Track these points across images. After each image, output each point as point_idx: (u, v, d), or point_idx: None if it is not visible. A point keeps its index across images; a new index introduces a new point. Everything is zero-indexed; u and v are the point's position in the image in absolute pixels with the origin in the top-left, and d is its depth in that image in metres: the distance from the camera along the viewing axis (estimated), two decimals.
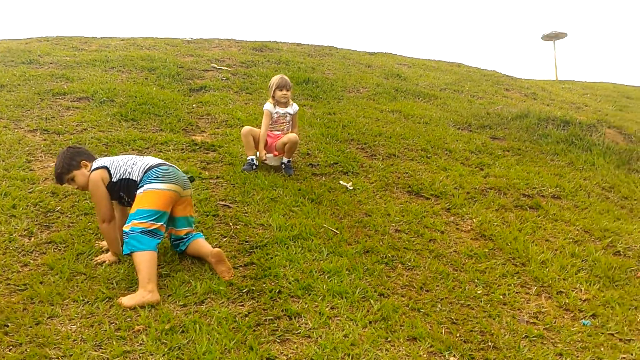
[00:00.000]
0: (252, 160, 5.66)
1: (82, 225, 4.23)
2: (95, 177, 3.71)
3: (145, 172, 3.72)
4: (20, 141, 5.71)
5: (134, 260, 3.48)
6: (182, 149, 5.96)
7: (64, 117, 6.55)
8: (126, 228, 3.52)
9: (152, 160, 3.86)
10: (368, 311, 3.47)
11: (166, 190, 3.66)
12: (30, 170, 5.10)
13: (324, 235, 4.40)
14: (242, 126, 6.79)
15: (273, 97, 5.76)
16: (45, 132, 6.04)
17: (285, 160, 5.72)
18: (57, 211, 4.43)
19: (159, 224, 3.58)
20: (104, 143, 5.83)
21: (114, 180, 3.73)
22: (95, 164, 3.80)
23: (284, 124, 5.79)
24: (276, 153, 5.69)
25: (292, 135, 5.60)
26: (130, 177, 3.73)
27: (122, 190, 3.76)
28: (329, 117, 7.73)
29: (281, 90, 5.71)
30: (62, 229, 4.18)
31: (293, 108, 5.86)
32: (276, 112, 5.75)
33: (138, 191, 3.65)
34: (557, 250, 4.52)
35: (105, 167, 3.76)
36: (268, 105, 5.76)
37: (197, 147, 6.07)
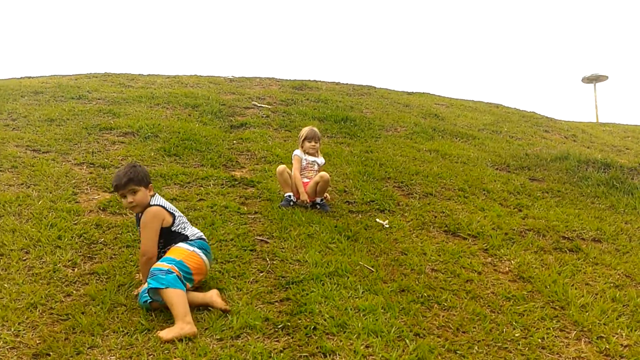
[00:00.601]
0: (290, 196, 5.77)
1: (124, 257, 4.34)
2: (159, 212, 3.87)
3: (199, 239, 3.98)
4: (67, 174, 5.92)
5: (166, 296, 3.52)
6: (222, 184, 6.08)
7: (110, 151, 6.77)
8: (165, 267, 3.63)
9: (199, 232, 4.10)
10: (403, 351, 3.45)
11: (205, 266, 3.93)
12: (76, 202, 5.28)
13: (360, 273, 4.41)
14: (281, 162, 6.92)
15: (302, 146, 5.98)
16: (92, 165, 6.25)
17: (318, 200, 5.82)
18: (101, 243, 4.56)
19: (186, 284, 3.72)
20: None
21: (173, 229, 3.91)
22: (157, 199, 3.97)
23: (312, 171, 5.91)
24: (308, 200, 5.75)
25: (323, 174, 5.70)
26: (184, 233, 3.94)
27: (165, 238, 3.90)
28: (366, 155, 7.80)
29: (310, 142, 5.93)
30: (105, 260, 4.30)
31: (321, 160, 6.07)
32: (305, 159, 5.92)
33: (186, 246, 3.84)
34: (598, 295, 4.42)
35: (170, 212, 3.94)
36: (298, 152, 5.95)
37: (237, 182, 6.19)
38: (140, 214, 3.93)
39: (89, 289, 3.86)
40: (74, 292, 3.85)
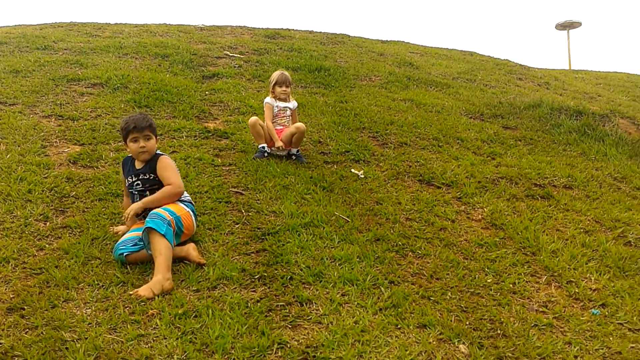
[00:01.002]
0: (264, 147, 5.70)
1: (97, 211, 4.29)
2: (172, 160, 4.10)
3: (190, 202, 4.05)
4: (35, 127, 5.78)
5: (159, 245, 3.52)
6: (195, 136, 6.00)
7: (79, 103, 6.61)
8: (167, 217, 3.65)
9: (188, 195, 4.17)
10: (378, 298, 3.50)
11: (193, 229, 4.00)
12: (46, 155, 5.16)
13: (335, 223, 4.43)
14: (255, 114, 6.84)
15: (273, 92, 5.87)
16: (60, 117, 6.10)
17: (294, 150, 5.76)
18: (72, 196, 4.49)
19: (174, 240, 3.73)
20: (118, 130, 5.87)
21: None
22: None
23: (284, 117, 5.84)
24: (283, 146, 5.67)
25: (299, 125, 5.65)
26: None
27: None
28: (341, 105, 7.74)
29: (280, 86, 5.82)
30: (77, 214, 4.24)
31: (292, 104, 5.95)
32: (277, 106, 5.83)
33: (183, 206, 3.91)
34: (568, 240, 4.52)
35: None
36: (268, 99, 5.86)
37: (210, 134, 6.11)
38: (143, 166, 3.97)
39: (62, 243, 3.81)
40: (47, 246, 3.80)
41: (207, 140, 5.94)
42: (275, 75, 5.92)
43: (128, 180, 3.99)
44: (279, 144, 5.64)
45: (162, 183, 3.91)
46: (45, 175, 4.76)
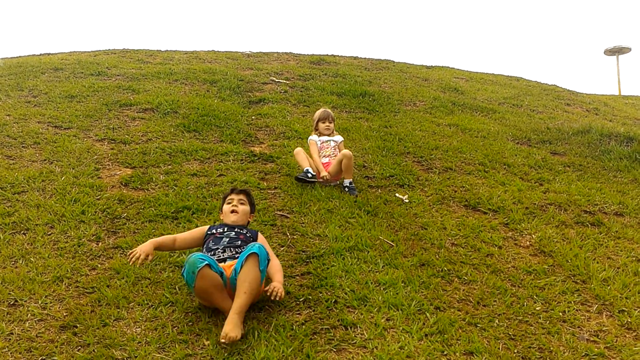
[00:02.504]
0: (308, 169, 5.60)
1: (147, 232, 4.40)
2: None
3: None
4: (89, 150, 5.98)
5: (255, 281, 3.31)
6: (242, 160, 6.10)
7: (130, 128, 6.82)
8: (268, 257, 3.46)
9: None
10: (424, 324, 3.47)
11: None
12: (99, 178, 5.34)
13: (380, 247, 4.43)
14: (300, 138, 6.93)
15: (316, 129, 6.03)
16: (113, 141, 6.31)
17: (346, 182, 5.60)
18: (124, 218, 4.62)
19: None
20: (168, 153, 6.03)
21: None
22: None
23: (329, 149, 5.89)
24: (328, 176, 5.59)
25: (345, 151, 5.57)
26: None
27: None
28: (385, 130, 7.76)
29: (324, 122, 5.98)
30: (128, 235, 4.36)
31: (337, 137, 6.06)
32: (320, 140, 5.93)
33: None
34: (619, 268, 4.40)
35: None
36: (312, 137, 6.00)
37: (256, 158, 6.21)
38: (233, 229, 3.84)
39: (114, 263, 3.92)
40: (99, 265, 3.92)
41: (253, 164, 6.04)
42: (318, 112, 6.11)
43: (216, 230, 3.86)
44: (324, 173, 5.58)
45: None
46: (98, 197, 4.92)
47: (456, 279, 4.10)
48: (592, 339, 3.51)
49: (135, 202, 4.89)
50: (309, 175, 5.57)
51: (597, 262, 4.47)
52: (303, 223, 4.77)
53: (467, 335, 3.39)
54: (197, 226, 4.48)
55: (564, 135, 8.21)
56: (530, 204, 5.55)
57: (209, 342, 3.12)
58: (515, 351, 3.30)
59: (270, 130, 7.30)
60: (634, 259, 4.59)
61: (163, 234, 4.36)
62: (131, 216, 4.65)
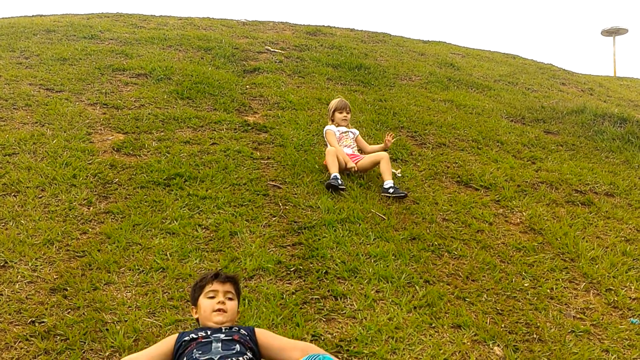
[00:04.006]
0: (337, 176, 4.95)
1: (139, 198, 4.38)
2: None
3: None
4: (80, 114, 5.92)
5: None
6: (235, 129, 6.07)
7: (123, 93, 6.74)
8: None
9: None
10: (413, 296, 3.51)
11: None
12: (90, 142, 5.29)
13: (371, 220, 4.44)
14: (294, 109, 6.89)
15: (332, 120, 5.67)
16: (105, 106, 6.24)
17: (388, 183, 5.00)
18: (115, 183, 4.59)
19: None
20: (161, 119, 5.99)
21: None
22: None
23: (348, 139, 5.56)
24: (356, 168, 5.26)
25: (381, 154, 5.27)
26: None
27: None
28: (380, 104, 7.73)
29: (341, 112, 5.63)
30: (120, 200, 4.34)
31: (354, 130, 5.75)
32: (338, 130, 5.57)
33: None
34: (608, 248, 4.44)
35: None
36: (329, 126, 5.62)
37: (250, 127, 6.17)
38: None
39: (105, 228, 3.91)
40: (90, 230, 3.91)
41: (247, 134, 6.01)
42: (335, 102, 5.74)
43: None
44: (352, 164, 5.21)
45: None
46: (90, 162, 4.88)
47: (446, 254, 4.13)
48: (578, 316, 3.56)
49: (127, 167, 4.86)
50: (340, 182, 4.91)
51: (586, 241, 4.51)
52: (295, 194, 4.77)
53: (455, 308, 3.43)
54: (188, 194, 4.48)
55: (558, 115, 8.21)
56: (522, 182, 5.57)
57: None
58: (503, 326, 3.34)
59: (264, 100, 7.25)
60: (622, 238, 4.63)
61: (155, 201, 4.35)
62: (123, 182, 4.62)
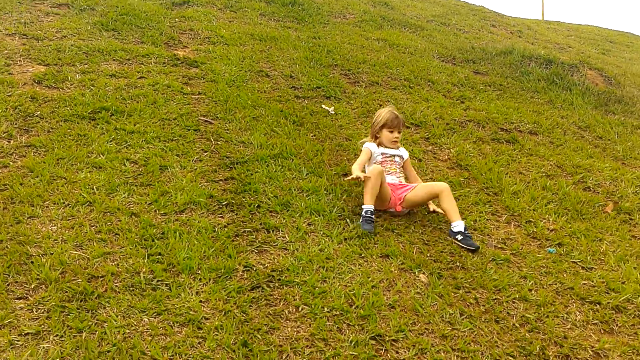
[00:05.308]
0: (371, 210, 3.69)
1: (63, 131, 4.20)
2: None
3: None
4: None
5: None
6: (164, 63, 5.86)
7: (43, 23, 6.36)
8: None
9: None
10: (344, 229, 3.58)
11: None
12: (9, 74, 5.00)
13: (304, 156, 4.45)
14: (226, 44, 6.72)
15: (376, 136, 4.20)
16: (24, 36, 5.88)
17: (458, 225, 3.71)
18: (37, 116, 4.38)
19: None
20: (84, 51, 5.71)
21: None
22: None
23: (393, 165, 4.11)
24: (400, 208, 3.90)
25: (438, 184, 3.93)
26: None
27: None
28: (314, 41, 7.63)
29: (392, 131, 4.14)
30: (42, 133, 4.16)
31: (403, 152, 4.27)
32: (382, 153, 4.12)
33: None
34: (530, 183, 4.65)
35: None
36: (369, 144, 4.16)
37: (179, 62, 5.98)
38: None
39: (27, 161, 3.75)
40: (11, 163, 3.74)
41: (176, 68, 5.82)
42: (385, 114, 4.20)
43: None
44: (360, 174, 3.77)
45: None
46: (9, 94, 4.62)
47: None
48: (499, 246, 3.74)
49: (49, 100, 4.64)
50: (372, 221, 3.67)
51: (509, 177, 4.70)
52: (227, 129, 4.70)
53: (384, 239, 3.53)
54: (115, 128, 4.34)
55: (488, 56, 8.36)
56: (451, 120, 5.69)
57: (128, 241, 3.10)
58: (428, 255, 3.47)
59: (194, 34, 7.01)
60: (543, 174, 4.85)
61: (80, 134, 4.19)
62: (45, 115, 4.42)
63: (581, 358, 2.83)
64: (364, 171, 3.94)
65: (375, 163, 4.02)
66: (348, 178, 3.83)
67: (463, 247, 3.58)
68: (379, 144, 4.16)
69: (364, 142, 4.24)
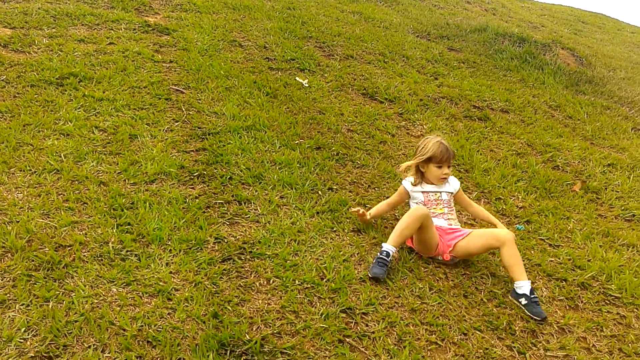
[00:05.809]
0: (389, 255, 3.05)
1: (29, 97, 4.08)
2: None
3: None
4: None
5: None
6: (134, 29, 5.73)
7: None
8: None
9: None
10: (316, 202, 3.57)
11: None
12: None
13: (277, 128, 4.41)
14: (199, 12, 6.59)
15: (421, 171, 3.48)
16: None
17: (524, 286, 3.05)
18: (3, 80, 4.24)
19: None
20: (52, 15, 5.54)
21: None
22: None
23: (441, 204, 3.42)
24: (448, 257, 3.27)
25: (503, 234, 3.17)
26: None
27: None
28: (289, 12, 7.54)
29: (440, 166, 3.42)
30: (8, 98, 4.03)
31: (453, 184, 3.53)
32: (424, 192, 3.44)
33: None
34: (500, 161, 4.69)
35: None
36: (409, 185, 3.47)
37: (150, 28, 5.85)
38: None
39: None
40: None
41: (147, 35, 5.69)
42: (432, 146, 3.42)
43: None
44: (367, 215, 3.42)
45: None
46: None
47: (350, 163, 4.20)
48: (469, 222, 3.77)
49: (15, 64, 4.50)
50: (388, 266, 3.06)
51: (481, 154, 4.74)
52: (199, 99, 4.63)
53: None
54: (84, 95, 4.23)
55: (462, 32, 8.37)
56: (425, 96, 5.70)
57: (96, 210, 3.04)
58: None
59: (166, 1, 6.85)
60: (514, 152, 4.90)
61: (47, 100, 4.08)
62: (11, 79, 4.28)
63: (546, 333, 2.89)
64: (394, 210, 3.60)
65: (417, 203, 3.43)
66: (352, 210, 3.45)
67: (528, 314, 2.98)
68: (423, 180, 3.48)
69: (403, 182, 3.51)
